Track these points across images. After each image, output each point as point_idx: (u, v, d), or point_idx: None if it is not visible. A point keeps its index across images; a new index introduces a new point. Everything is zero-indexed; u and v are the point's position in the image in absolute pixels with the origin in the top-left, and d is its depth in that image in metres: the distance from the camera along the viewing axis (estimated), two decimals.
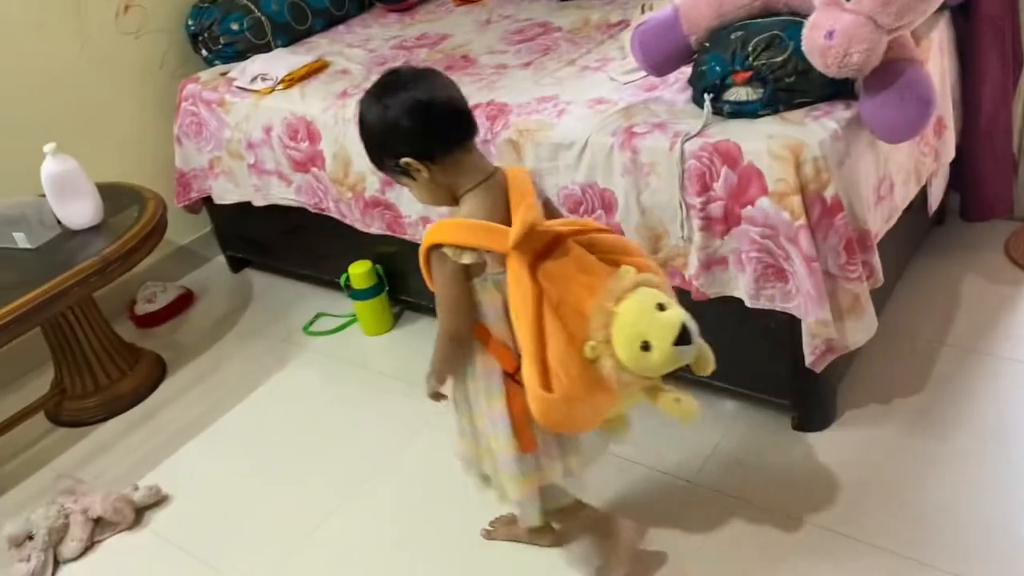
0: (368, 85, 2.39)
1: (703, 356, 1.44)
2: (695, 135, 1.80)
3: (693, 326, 1.35)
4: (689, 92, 1.97)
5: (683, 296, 1.89)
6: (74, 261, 2.20)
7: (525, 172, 1.49)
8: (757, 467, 1.93)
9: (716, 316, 1.92)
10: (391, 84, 1.44)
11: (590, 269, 1.40)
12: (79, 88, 2.72)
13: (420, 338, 2.58)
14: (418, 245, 1.96)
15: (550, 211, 1.52)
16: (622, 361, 1.33)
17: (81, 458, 2.36)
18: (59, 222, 2.35)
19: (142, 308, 2.88)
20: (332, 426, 2.31)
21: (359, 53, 2.73)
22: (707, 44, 1.86)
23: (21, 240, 2.28)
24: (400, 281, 2.63)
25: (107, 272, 2.20)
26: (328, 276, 2.80)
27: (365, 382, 2.46)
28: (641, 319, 1.32)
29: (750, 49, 1.76)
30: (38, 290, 2.10)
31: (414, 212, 2.34)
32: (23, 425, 2.41)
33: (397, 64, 2.55)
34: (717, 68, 1.80)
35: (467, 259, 1.41)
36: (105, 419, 2.47)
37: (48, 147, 2.26)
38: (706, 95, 1.83)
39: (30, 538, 1.98)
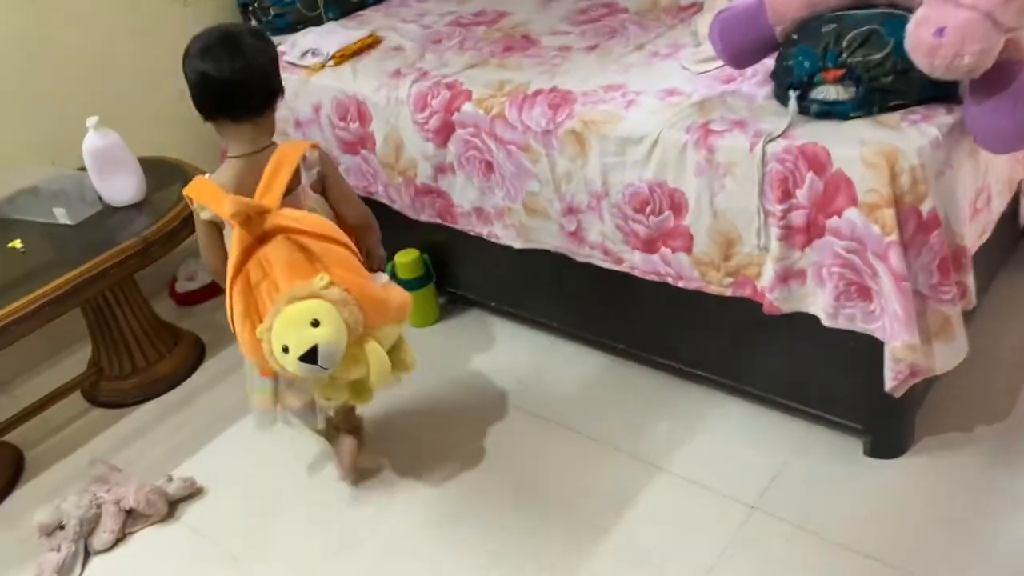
0: (422, 64, 2.34)
1: (363, 388, 1.67)
2: (778, 136, 1.65)
3: (330, 351, 1.48)
4: (770, 87, 1.82)
5: (753, 308, 1.78)
6: (115, 240, 2.13)
7: (297, 152, 1.62)
8: (824, 494, 1.80)
9: (788, 331, 1.81)
10: (194, 46, 1.63)
11: (294, 267, 1.53)
12: (123, 56, 2.63)
13: (467, 332, 2.48)
14: (469, 236, 2.06)
15: (335, 196, 1.71)
16: (272, 352, 1.51)
17: (116, 441, 2.30)
18: (100, 198, 2.27)
19: (183, 286, 2.81)
20: (372, 420, 2.21)
21: (413, 29, 2.61)
22: (794, 36, 1.70)
23: (61, 216, 2.21)
24: (448, 271, 2.52)
25: (148, 252, 2.13)
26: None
27: (408, 377, 2.35)
28: (290, 325, 1.48)
29: (844, 44, 1.60)
30: (76, 270, 2.03)
31: (466, 202, 2.22)
32: (59, 403, 2.36)
33: (451, 41, 2.42)
34: (806, 63, 1.64)
35: (205, 215, 1.65)
36: (142, 401, 2.41)
37: (91, 120, 2.17)
38: (791, 92, 1.68)
39: (61, 527, 1.92)
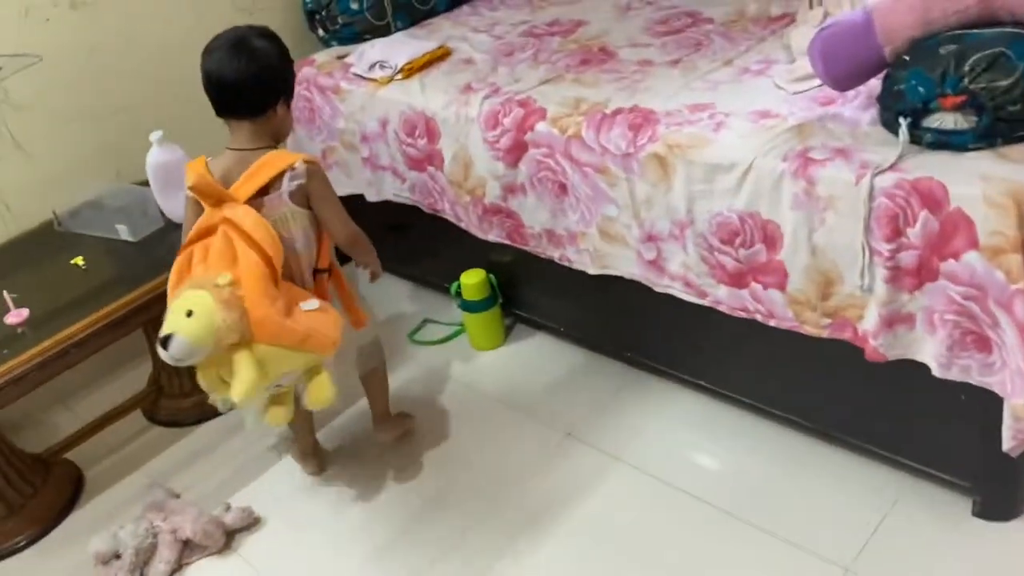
0: (494, 79, 2.23)
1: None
2: (888, 168, 1.50)
3: (183, 344, 1.50)
4: (875, 111, 1.67)
5: (852, 352, 1.63)
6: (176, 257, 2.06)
7: (284, 161, 1.66)
8: (927, 557, 1.65)
9: (893, 379, 1.65)
10: (208, 45, 1.70)
11: (220, 258, 1.60)
12: (189, 66, 2.57)
13: (533, 357, 2.38)
14: (538, 258, 2.07)
15: (319, 214, 1.72)
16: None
17: (174, 463, 2.25)
18: (162, 213, 2.22)
19: None
20: (436, 453, 2.12)
21: (484, 40, 2.50)
22: (906, 57, 1.54)
23: (123, 232, 2.16)
24: (515, 293, 2.42)
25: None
26: (434, 279, 2.61)
27: (471, 404, 2.26)
28: (173, 309, 1.55)
29: (966, 68, 1.45)
30: (139, 290, 1.98)
31: (537, 224, 2.11)
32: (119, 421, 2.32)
33: (524, 53, 2.31)
34: (920, 88, 1.49)
35: (188, 191, 1.71)
36: (200, 421, 2.36)
37: (155, 135, 2.12)
38: (902, 119, 1.53)
39: (117, 556, 1.87)
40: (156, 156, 2.12)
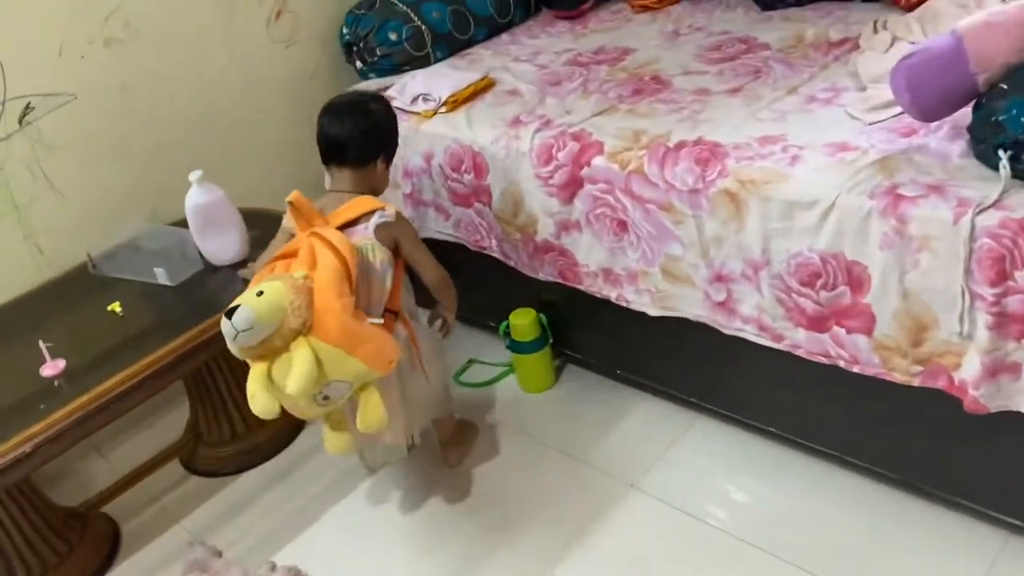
0: (542, 110, 2.14)
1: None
2: (990, 206, 1.39)
3: (247, 315, 1.49)
4: (963, 141, 1.57)
5: (945, 400, 1.51)
6: (218, 303, 1.96)
7: (372, 204, 1.76)
8: None
9: (993, 428, 1.54)
10: (331, 102, 1.90)
11: (296, 265, 1.63)
12: (225, 101, 2.51)
13: (584, 400, 2.27)
14: (593, 297, 2.06)
15: (410, 259, 1.83)
16: None
17: (215, 516, 2.15)
18: (201, 256, 2.13)
19: None
20: (489, 504, 2.02)
21: (528, 69, 2.41)
22: (1004, 86, 1.44)
23: (161, 276, 2.07)
24: (566, 333, 2.31)
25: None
26: (480, 318, 2.51)
27: (523, 450, 2.15)
28: (246, 292, 1.57)
29: None
30: (180, 338, 1.88)
31: (593, 262, 2.01)
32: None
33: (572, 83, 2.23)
34: (1023, 119, 1.38)
35: (285, 222, 1.82)
36: (241, 470, 2.26)
37: (194, 175, 2.04)
38: (1002, 152, 1.42)
39: None
40: (196, 196, 2.04)
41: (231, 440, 2.27)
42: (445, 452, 2.14)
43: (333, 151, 1.84)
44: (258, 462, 2.27)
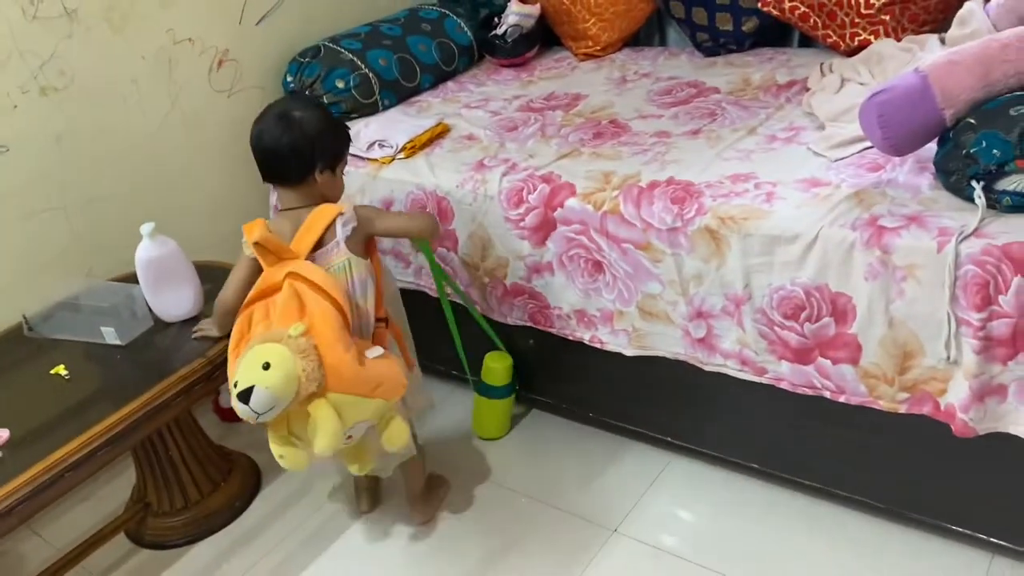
0: (505, 154, 2.13)
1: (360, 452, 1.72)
2: (971, 234, 1.44)
3: (265, 396, 1.45)
4: (929, 175, 1.63)
5: (929, 430, 1.54)
6: (172, 362, 1.86)
7: (330, 213, 1.67)
8: None
9: (981, 452, 1.57)
10: (259, 115, 1.75)
11: (286, 311, 1.56)
12: (167, 151, 2.40)
13: (555, 445, 2.23)
14: (565, 340, 2.04)
15: (390, 233, 1.85)
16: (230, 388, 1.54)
17: None
18: (151, 312, 2.01)
19: (227, 399, 2.53)
20: (467, 559, 1.94)
21: (481, 115, 2.41)
22: (972, 120, 1.51)
23: (110, 336, 1.94)
24: (533, 377, 2.27)
25: (213, 376, 1.86)
26: (442, 366, 2.44)
27: (498, 500, 2.09)
28: (246, 364, 1.49)
29: None
30: (139, 400, 1.75)
31: (565, 303, 1.99)
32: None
33: (528, 128, 2.23)
34: (995, 151, 1.45)
35: (247, 251, 1.72)
36: (195, 540, 2.12)
37: (145, 228, 1.92)
38: (975, 183, 1.48)
39: None
40: (148, 250, 1.92)
41: (183, 508, 2.12)
42: (413, 508, 2.05)
43: (268, 170, 1.74)
44: (214, 530, 2.13)
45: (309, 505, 2.17)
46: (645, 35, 2.82)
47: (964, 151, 1.50)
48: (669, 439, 2.07)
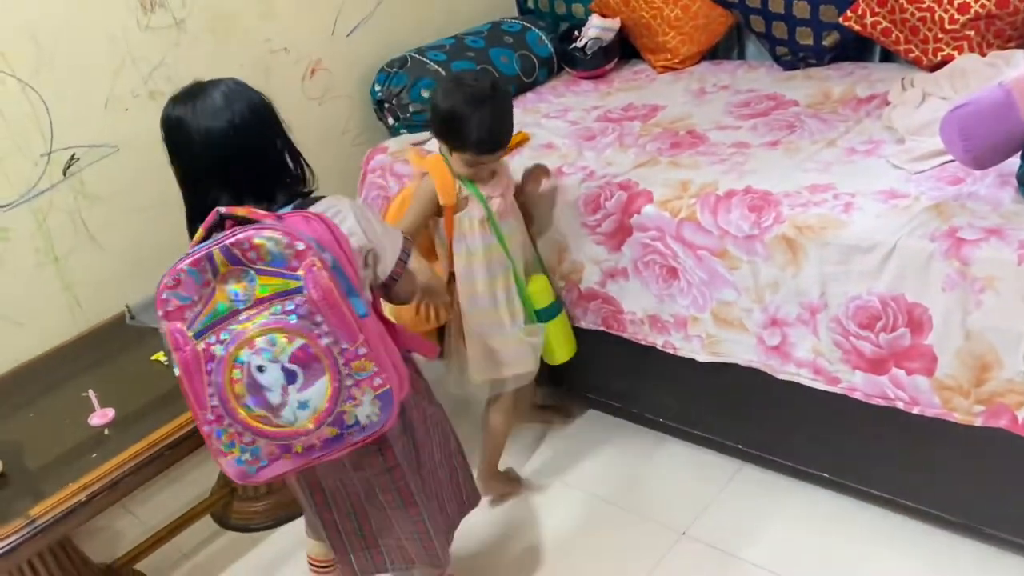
0: (583, 162, 2.19)
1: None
2: None
3: None
4: (1010, 189, 1.64)
5: (1013, 443, 1.54)
6: None
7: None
8: None
9: None
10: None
11: None
12: None
13: (624, 449, 2.27)
14: (636, 344, 2.07)
15: None
16: None
17: (249, 574, 2.10)
18: None
19: None
20: (538, 559, 1.99)
21: (560, 125, 2.47)
22: None
23: None
24: (602, 380, 2.31)
25: None
26: None
27: (567, 500, 2.14)
28: None
29: None
30: None
31: (639, 308, 2.04)
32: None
33: (606, 137, 2.28)
34: None
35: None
36: (277, 525, 2.22)
37: None
38: None
39: None
40: None
41: (266, 493, 2.23)
42: (480, 477, 2.05)
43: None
44: (295, 515, 2.22)
45: None
46: (724, 48, 2.84)
47: None
48: (740, 446, 2.09)
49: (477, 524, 2.11)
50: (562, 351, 2.13)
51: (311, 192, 1.49)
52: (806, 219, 1.72)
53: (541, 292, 2.05)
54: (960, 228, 1.56)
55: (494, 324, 1.97)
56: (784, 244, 1.73)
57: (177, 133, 1.40)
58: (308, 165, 1.52)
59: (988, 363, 1.54)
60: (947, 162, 1.76)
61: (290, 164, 1.48)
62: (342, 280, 1.27)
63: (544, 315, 2.06)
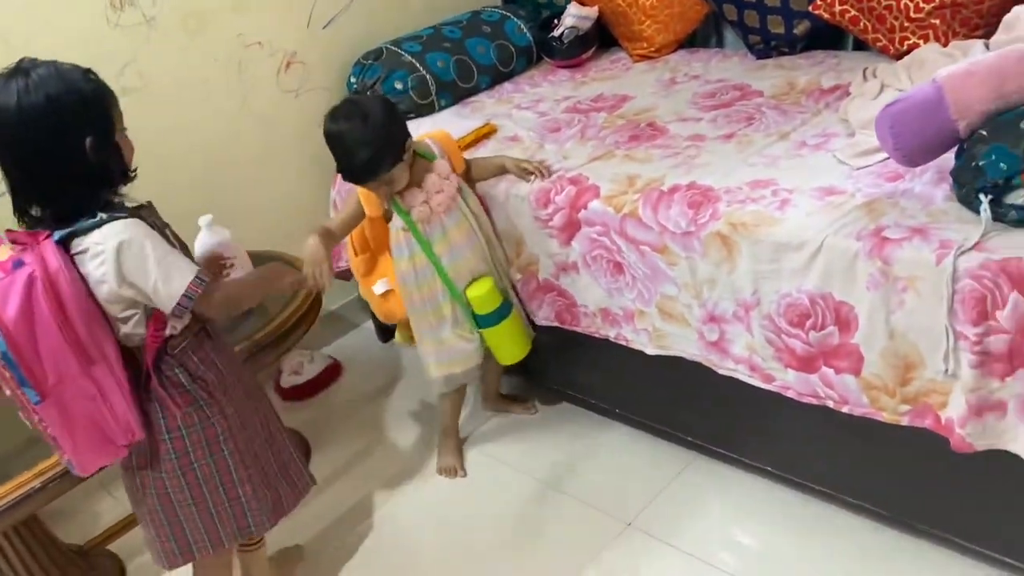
0: (541, 155, 2.20)
1: None
2: (971, 248, 1.43)
3: None
4: (946, 186, 1.61)
5: (936, 442, 1.54)
6: (235, 338, 2.02)
7: None
8: None
9: (981, 469, 1.56)
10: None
11: None
12: (236, 149, 2.59)
13: (577, 437, 2.30)
14: (591, 338, 2.09)
15: None
16: None
17: None
18: None
19: (288, 380, 2.72)
20: (481, 540, 2.03)
21: (529, 116, 2.49)
22: (984, 132, 1.49)
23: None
24: (558, 370, 2.34)
25: (258, 357, 2.02)
26: None
27: (516, 486, 2.17)
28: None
29: None
30: None
31: (591, 302, 2.05)
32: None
33: (571, 129, 2.29)
34: (1002, 165, 1.43)
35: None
36: None
37: (204, 219, 2.09)
38: (983, 196, 1.46)
39: None
40: (205, 240, 2.09)
41: None
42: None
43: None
44: None
45: (354, 484, 2.31)
46: (703, 37, 2.82)
47: (974, 163, 1.48)
48: (689, 439, 2.11)
49: (419, 505, 2.18)
50: (511, 353, 2.13)
51: (110, 207, 1.41)
52: (741, 216, 1.72)
53: (484, 298, 2.02)
54: (886, 227, 1.55)
55: (433, 326, 2.05)
56: (719, 241, 1.73)
57: None
58: (127, 173, 1.46)
59: (912, 363, 1.54)
60: (888, 158, 1.75)
61: (94, 167, 1.38)
62: (11, 370, 1.31)
63: (488, 320, 2.05)
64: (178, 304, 1.42)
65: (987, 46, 1.96)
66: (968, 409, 1.47)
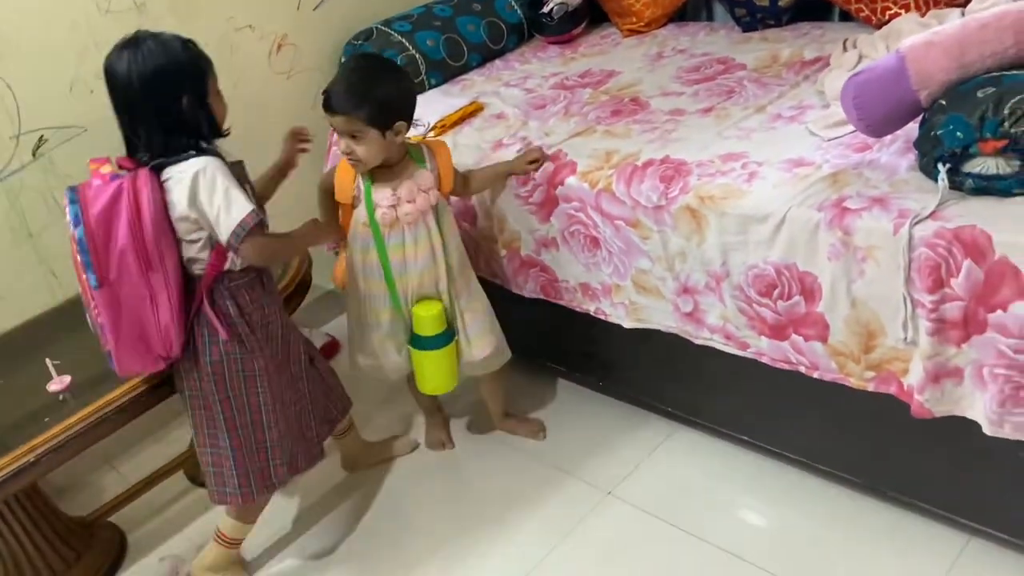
0: (525, 133, 2.23)
1: None
2: (927, 216, 1.45)
3: None
4: (912, 156, 1.62)
5: (900, 408, 1.57)
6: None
7: None
8: None
9: (942, 435, 1.58)
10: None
11: None
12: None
13: (551, 407, 2.34)
14: (574, 312, 2.11)
15: None
16: None
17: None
18: None
19: None
20: (464, 509, 2.09)
21: (516, 93, 2.51)
22: (943, 102, 1.50)
23: None
24: (543, 343, 2.38)
25: None
26: None
27: (500, 455, 2.22)
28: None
29: (1006, 112, 1.40)
30: None
31: (571, 277, 2.09)
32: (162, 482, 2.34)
33: (555, 106, 2.32)
34: (959, 134, 1.44)
35: None
36: None
37: None
38: (940, 165, 1.48)
39: None
40: None
41: None
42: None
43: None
44: None
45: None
46: (693, 10, 2.82)
47: (932, 132, 1.50)
48: (671, 410, 2.15)
49: (401, 476, 2.23)
50: (434, 383, 2.07)
51: (197, 148, 1.66)
52: (710, 189, 1.74)
53: (428, 320, 1.97)
54: (848, 198, 1.57)
55: (366, 323, 2.03)
56: (688, 214, 1.76)
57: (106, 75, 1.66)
58: (219, 129, 1.75)
59: (873, 331, 1.56)
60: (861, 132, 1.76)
61: (188, 121, 1.66)
62: (82, 255, 1.56)
63: (425, 343, 2.00)
64: (233, 232, 1.60)
65: (963, 15, 1.95)
66: (926, 375, 1.49)
